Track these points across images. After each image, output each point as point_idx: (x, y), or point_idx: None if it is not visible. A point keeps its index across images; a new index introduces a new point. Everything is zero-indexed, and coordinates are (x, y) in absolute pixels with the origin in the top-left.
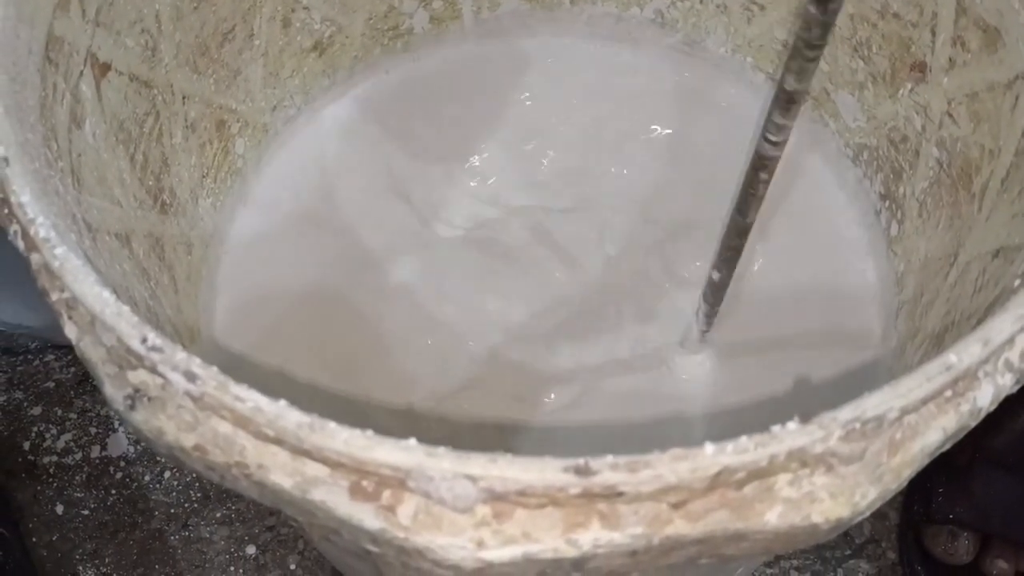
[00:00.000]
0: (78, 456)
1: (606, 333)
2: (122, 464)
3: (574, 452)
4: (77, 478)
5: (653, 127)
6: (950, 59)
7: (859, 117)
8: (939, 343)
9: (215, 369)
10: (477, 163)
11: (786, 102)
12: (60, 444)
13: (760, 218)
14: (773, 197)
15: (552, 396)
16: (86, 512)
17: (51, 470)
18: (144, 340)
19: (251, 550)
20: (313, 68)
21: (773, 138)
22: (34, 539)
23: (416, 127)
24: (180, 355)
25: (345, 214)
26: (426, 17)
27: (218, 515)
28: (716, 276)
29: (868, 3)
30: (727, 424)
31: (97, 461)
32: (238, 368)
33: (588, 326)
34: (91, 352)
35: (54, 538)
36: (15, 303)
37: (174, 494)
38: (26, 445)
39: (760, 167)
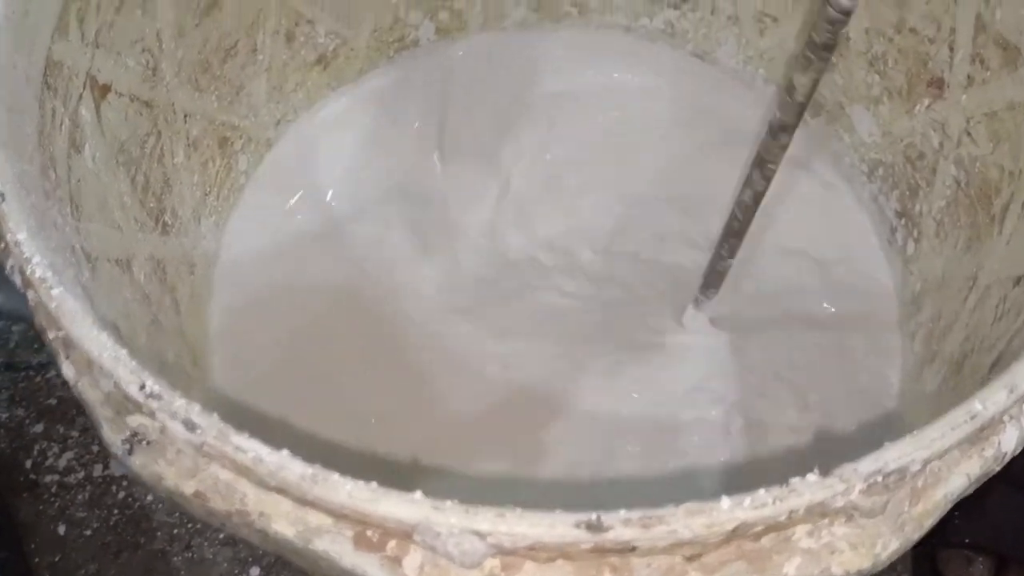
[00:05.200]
0: (80, 475)
1: (623, 358)
2: (124, 483)
3: (583, 485)
4: (80, 497)
5: (663, 139)
6: (968, 76)
7: (874, 132)
8: (958, 370)
9: (215, 417)
10: (488, 177)
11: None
12: (62, 462)
13: (776, 234)
14: (789, 212)
15: (562, 428)
16: (88, 532)
17: (53, 489)
18: (142, 387)
19: (255, 571)
20: (317, 81)
21: (778, 137)
22: (37, 560)
23: (426, 140)
24: (179, 402)
25: (352, 231)
26: (432, 28)
27: (221, 536)
28: (720, 260)
29: (884, 17)
30: (742, 455)
31: (99, 480)
32: (242, 391)
33: (604, 351)
34: (89, 394)
35: (57, 559)
36: None
37: (177, 514)
38: (28, 463)
39: (766, 159)
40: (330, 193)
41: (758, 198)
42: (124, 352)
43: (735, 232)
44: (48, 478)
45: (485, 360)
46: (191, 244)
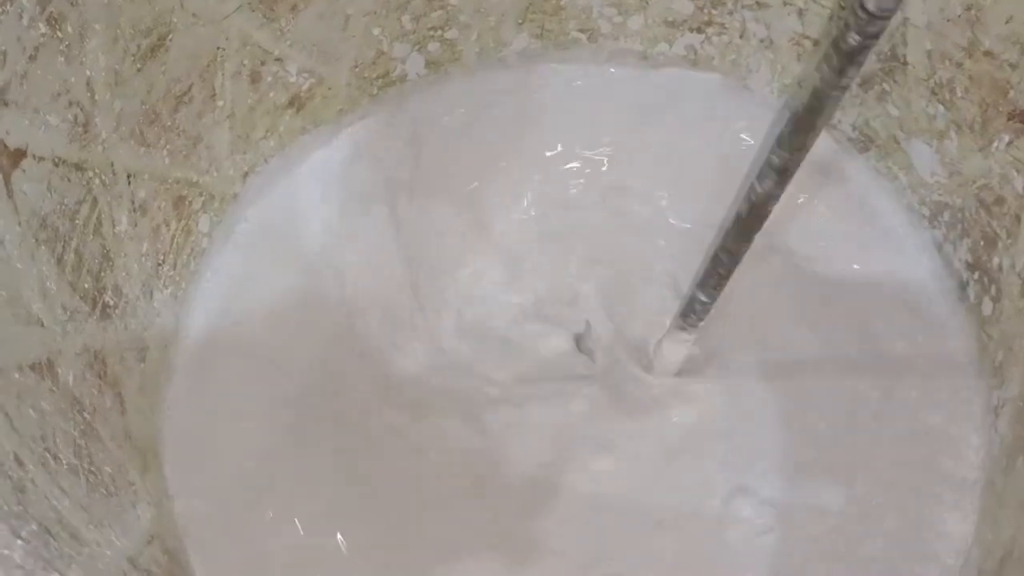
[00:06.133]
0: None
1: (620, 438)
2: None
3: None
4: None
5: (688, 182)
6: None
7: (938, 171)
8: None
9: None
10: (480, 233)
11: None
12: None
13: (817, 271)
14: (836, 249)
15: (556, 517)
16: None
17: None
18: None
19: None
20: (291, 126)
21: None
22: None
23: (414, 190)
24: None
25: (334, 299)
26: (421, 62)
27: None
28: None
29: (951, 38)
30: (766, 546)
31: None
32: (204, 502)
33: (601, 425)
34: None
35: None
36: None
37: None
38: None
39: (754, 201)
40: (307, 254)
41: (749, 232)
42: None
43: (720, 272)
44: None
45: (471, 445)
46: (141, 325)
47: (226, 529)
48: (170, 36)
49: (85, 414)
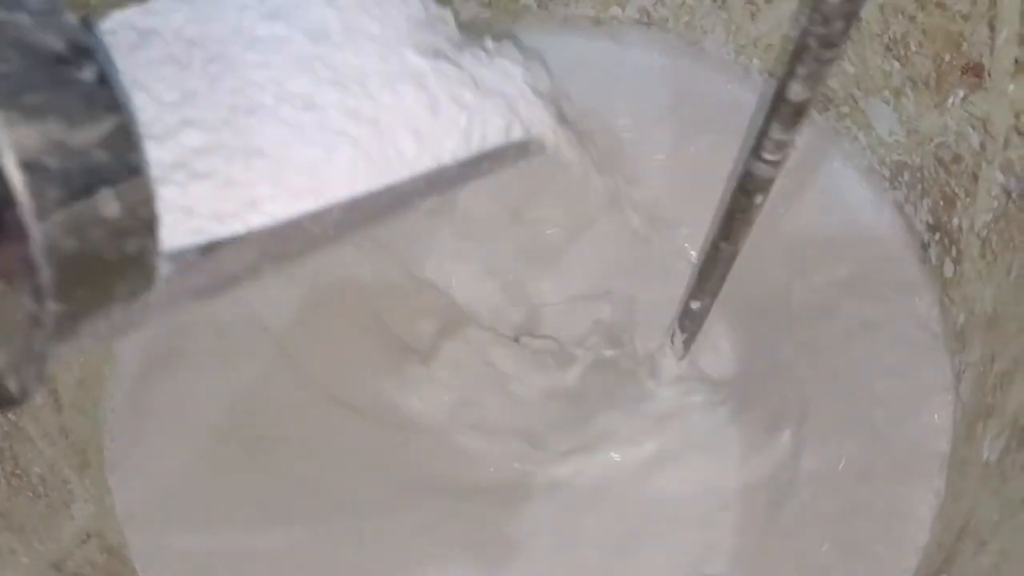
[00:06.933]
0: None
1: (595, 441)
2: None
3: None
4: None
5: (645, 150)
6: (1016, 61)
7: (896, 130)
8: None
9: None
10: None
11: (791, 115)
12: None
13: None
14: (798, 216)
15: (529, 521)
16: None
17: None
18: None
19: None
20: None
21: (769, 156)
22: None
23: None
24: None
25: (288, 291)
26: None
27: None
28: (695, 305)
29: None
30: (748, 535)
31: None
32: (152, 500)
33: (574, 429)
34: None
35: None
36: None
37: None
38: None
39: (752, 189)
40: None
41: (748, 228)
42: None
43: (718, 275)
44: None
45: (440, 444)
46: None
47: (169, 526)
48: None
49: (10, 415)
